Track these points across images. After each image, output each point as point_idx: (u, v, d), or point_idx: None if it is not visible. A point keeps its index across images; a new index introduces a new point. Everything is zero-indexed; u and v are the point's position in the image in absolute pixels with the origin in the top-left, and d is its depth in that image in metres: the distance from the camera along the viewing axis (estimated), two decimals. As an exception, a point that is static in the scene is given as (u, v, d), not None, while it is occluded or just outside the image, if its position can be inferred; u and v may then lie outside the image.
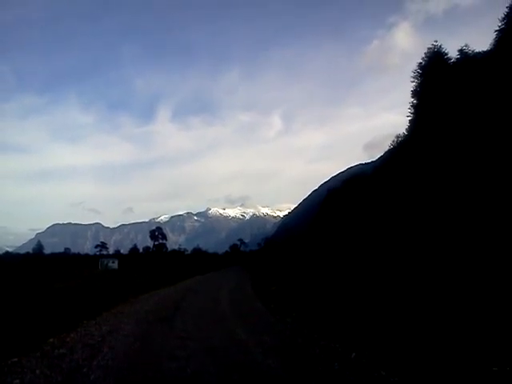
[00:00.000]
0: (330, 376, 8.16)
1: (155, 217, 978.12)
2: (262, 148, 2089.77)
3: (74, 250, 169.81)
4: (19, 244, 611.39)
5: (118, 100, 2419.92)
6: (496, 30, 28.57)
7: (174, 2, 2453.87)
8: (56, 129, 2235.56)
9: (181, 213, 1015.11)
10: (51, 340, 11.53)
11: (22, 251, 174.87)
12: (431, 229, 23.88)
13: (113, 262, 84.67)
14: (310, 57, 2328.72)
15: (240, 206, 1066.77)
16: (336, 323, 13.06)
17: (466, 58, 30.75)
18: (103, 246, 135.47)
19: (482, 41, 32.53)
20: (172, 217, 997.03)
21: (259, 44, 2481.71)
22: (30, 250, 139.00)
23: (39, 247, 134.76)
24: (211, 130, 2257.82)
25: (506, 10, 27.67)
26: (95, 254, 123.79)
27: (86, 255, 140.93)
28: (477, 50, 31.18)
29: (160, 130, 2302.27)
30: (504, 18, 27.92)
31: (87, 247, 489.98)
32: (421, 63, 32.85)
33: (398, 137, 40.26)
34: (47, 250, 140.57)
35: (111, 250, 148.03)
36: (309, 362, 9.28)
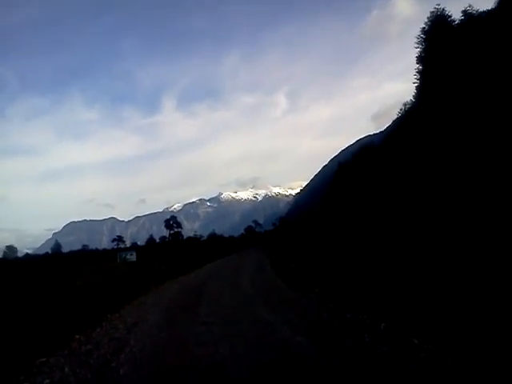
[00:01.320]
0: (362, 349, 8.06)
1: (168, 206, 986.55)
2: (269, 128, 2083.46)
3: (91, 246, 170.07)
4: (37, 245, 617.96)
5: (121, 93, 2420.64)
6: (499, -14, 27.88)
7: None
8: (62, 127, 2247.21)
9: (193, 200, 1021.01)
10: (77, 337, 11.48)
11: (41, 252, 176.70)
12: (443, 198, 23.63)
13: (131, 255, 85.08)
14: (311, 32, 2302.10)
15: (251, 188, 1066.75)
16: (361, 295, 12.96)
17: (471, 18, 30.09)
18: (120, 239, 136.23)
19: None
20: (185, 204, 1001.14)
21: (259, 25, 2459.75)
22: (49, 251, 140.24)
23: (57, 246, 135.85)
24: (217, 115, 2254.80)
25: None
26: (113, 248, 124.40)
27: (104, 250, 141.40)
28: (481, 10, 30.53)
29: (166, 120, 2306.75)
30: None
31: (104, 242, 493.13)
32: (424, 28, 32.21)
33: (405, 104, 39.79)
34: (65, 249, 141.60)
35: (128, 243, 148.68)
36: (338, 336, 9.20)
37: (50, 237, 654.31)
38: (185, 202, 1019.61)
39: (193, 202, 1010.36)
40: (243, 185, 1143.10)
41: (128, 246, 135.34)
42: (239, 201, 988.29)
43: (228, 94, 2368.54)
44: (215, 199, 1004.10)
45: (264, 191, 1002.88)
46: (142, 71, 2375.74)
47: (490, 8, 29.83)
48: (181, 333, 11.28)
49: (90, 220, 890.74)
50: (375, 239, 27.16)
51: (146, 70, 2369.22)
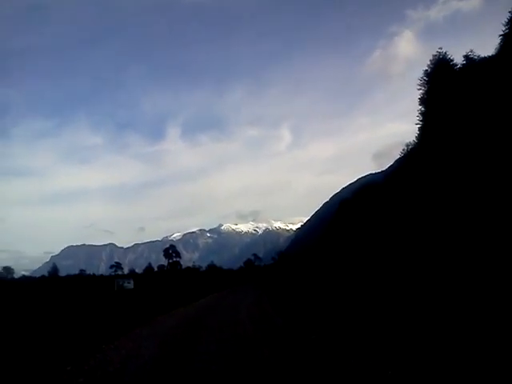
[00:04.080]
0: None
1: (168, 235, 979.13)
2: (272, 162, 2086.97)
3: (89, 271, 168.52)
4: (35, 268, 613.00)
5: (126, 120, 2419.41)
6: (500, 35, 28.55)
7: (175, 24, 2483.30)
8: (66, 151, 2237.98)
9: (193, 230, 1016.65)
10: (68, 368, 11.22)
11: (38, 274, 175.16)
12: (446, 235, 23.60)
13: (128, 282, 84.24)
14: (315, 69, 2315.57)
15: (252, 221, 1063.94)
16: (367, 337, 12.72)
17: (472, 63, 30.69)
18: (118, 266, 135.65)
19: (486, 45, 32.54)
20: (185, 234, 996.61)
21: (263, 59, 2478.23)
22: (46, 273, 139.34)
23: (54, 270, 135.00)
24: (220, 146, 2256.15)
25: (509, 14, 27.69)
26: (110, 275, 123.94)
27: (101, 276, 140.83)
28: (482, 55, 31.16)
29: (169, 148, 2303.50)
30: (507, 23, 27.92)
31: (102, 268, 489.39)
32: (426, 70, 32.81)
33: (407, 145, 40.12)
34: (62, 273, 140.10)
35: (126, 270, 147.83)
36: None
37: (48, 260, 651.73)
38: (184, 232, 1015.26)
39: (193, 232, 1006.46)
40: (244, 217, 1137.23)
41: (126, 273, 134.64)
42: (239, 233, 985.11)
43: (232, 126, 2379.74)
44: (215, 230, 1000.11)
45: (265, 225, 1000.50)
46: (147, 99, 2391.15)
47: (491, 54, 30.49)
48: (177, 371, 10.66)
49: (89, 245, 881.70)
50: (381, 279, 27.01)
51: (151, 99, 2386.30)
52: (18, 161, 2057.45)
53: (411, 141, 39.33)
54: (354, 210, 48.54)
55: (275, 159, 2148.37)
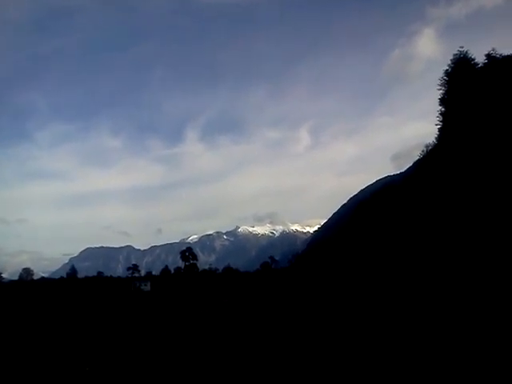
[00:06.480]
0: None
1: (185, 237, 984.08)
2: (290, 163, 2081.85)
3: (106, 273, 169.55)
4: (54, 269, 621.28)
5: (147, 123, 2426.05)
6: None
7: (196, 26, 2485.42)
8: (87, 154, 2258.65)
9: (210, 232, 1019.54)
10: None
11: (57, 276, 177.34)
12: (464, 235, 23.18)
13: (145, 285, 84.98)
14: (336, 70, 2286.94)
15: (269, 223, 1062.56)
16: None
17: (494, 61, 30.15)
18: (135, 268, 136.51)
19: (510, 43, 31.96)
20: (202, 237, 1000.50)
21: (285, 60, 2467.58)
22: (64, 275, 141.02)
23: (73, 272, 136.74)
24: (239, 148, 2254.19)
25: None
26: (127, 277, 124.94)
27: (119, 278, 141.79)
28: (505, 54, 30.55)
29: (188, 151, 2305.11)
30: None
31: (119, 270, 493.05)
32: (447, 70, 32.36)
33: (427, 146, 39.78)
34: (81, 274, 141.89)
35: (143, 272, 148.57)
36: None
37: (67, 261, 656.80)
38: (201, 234, 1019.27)
39: (209, 235, 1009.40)
40: (260, 220, 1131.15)
41: (143, 275, 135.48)
42: (256, 235, 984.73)
43: (251, 128, 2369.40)
44: (232, 233, 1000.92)
45: (281, 227, 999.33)
46: (168, 102, 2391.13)
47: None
48: None
49: (107, 247, 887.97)
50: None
51: (172, 101, 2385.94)
52: (40, 164, 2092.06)
53: (431, 142, 38.98)
54: (371, 211, 48.16)
55: (293, 161, 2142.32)
